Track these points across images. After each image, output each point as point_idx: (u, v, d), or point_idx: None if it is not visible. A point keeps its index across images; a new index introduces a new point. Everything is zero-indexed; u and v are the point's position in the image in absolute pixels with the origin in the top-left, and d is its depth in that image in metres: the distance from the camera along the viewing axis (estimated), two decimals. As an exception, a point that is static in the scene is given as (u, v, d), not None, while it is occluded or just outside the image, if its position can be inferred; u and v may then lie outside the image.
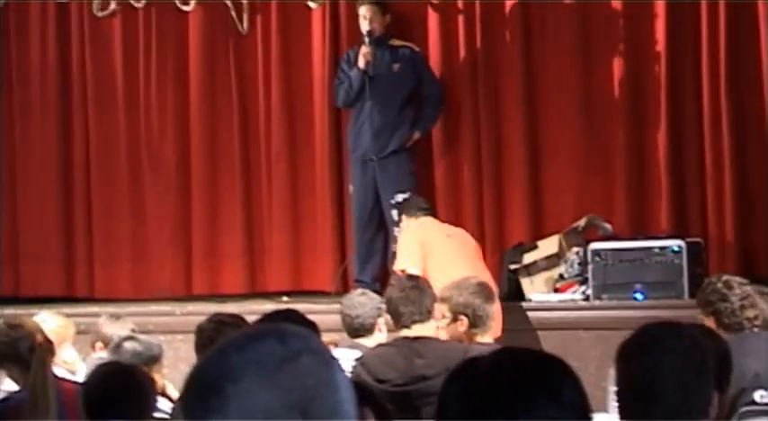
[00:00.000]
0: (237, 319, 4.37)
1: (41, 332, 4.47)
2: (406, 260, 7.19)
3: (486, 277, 7.34)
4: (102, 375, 3.81)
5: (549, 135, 8.29)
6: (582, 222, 7.84)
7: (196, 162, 8.92)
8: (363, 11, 8.15)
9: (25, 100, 9.24)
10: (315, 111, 8.68)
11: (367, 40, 8.07)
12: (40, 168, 9.18)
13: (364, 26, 8.12)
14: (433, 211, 7.78)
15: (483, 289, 4.88)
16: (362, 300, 5.17)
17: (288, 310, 4.06)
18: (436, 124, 8.38)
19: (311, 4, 8.65)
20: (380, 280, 7.85)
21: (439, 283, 6.97)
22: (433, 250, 7.20)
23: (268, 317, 3.97)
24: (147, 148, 9.01)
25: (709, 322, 4.82)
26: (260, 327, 1.83)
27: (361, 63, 8.03)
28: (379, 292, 5.81)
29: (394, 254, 7.64)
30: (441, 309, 4.87)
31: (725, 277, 5.10)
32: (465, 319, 4.79)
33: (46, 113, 9.18)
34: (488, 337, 4.89)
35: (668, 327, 2.73)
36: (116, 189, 9.07)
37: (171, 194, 8.95)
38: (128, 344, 4.44)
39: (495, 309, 4.90)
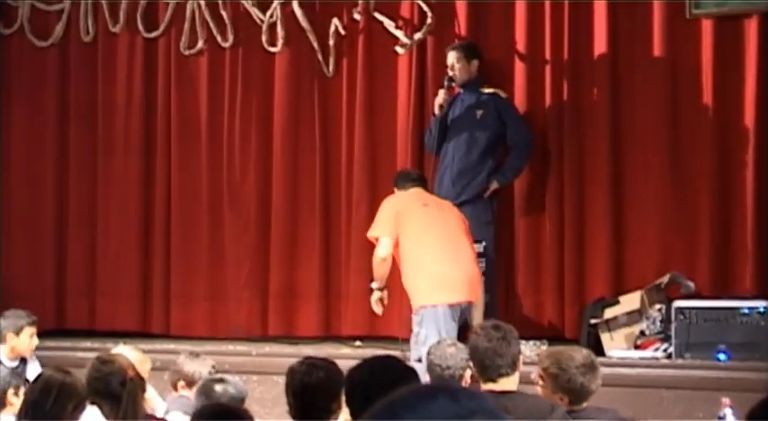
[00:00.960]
0: (329, 363, 4.32)
1: (133, 367, 4.46)
2: (378, 229, 7.41)
3: (466, 250, 7.40)
4: (210, 417, 3.75)
5: (634, 189, 8.19)
6: (665, 279, 7.74)
7: (276, 203, 8.90)
8: (449, 57, 8.17)
9: (109, 136, 9.29)
10: (397, 157, 8.64)
11: (445, 84, 8.08)
12: (121, 204, 9.23)
13: (449, 72, 8.13)
14: (423, 183, 7.73)
15: (588, 366, 4.68)
16: (452, 351, 5.10)
17: (388, 357, 4.00)
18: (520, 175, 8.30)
19: (399, 50, 8.64)
20: (463, 328, 7.74)
21: (410, 252, 7.24)
22: (406, 218, 7.29)
23: (368, 362, 3.90)
24: (229, 188, 9.02)
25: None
26: (427, 386, 1.76)
27: (436, 108, 8.07)
28: (462, 340, 5.72)
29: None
30: (540, 372, 4.74)
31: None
32: (567, 398, 4.67)
33: (129, 150, 9.25)
34: (584, 403, 4.75)
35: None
36: (196, 227, 9.09)
37: (250, 234, 8.94)
38: (219, 387, 4.40)
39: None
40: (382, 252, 7.37)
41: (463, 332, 6.85)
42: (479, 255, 7.78)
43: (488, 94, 8.18)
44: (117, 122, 9.28)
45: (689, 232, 8.04)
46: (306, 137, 8.88)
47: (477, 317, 7.26)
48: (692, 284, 7.70)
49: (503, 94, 8.22)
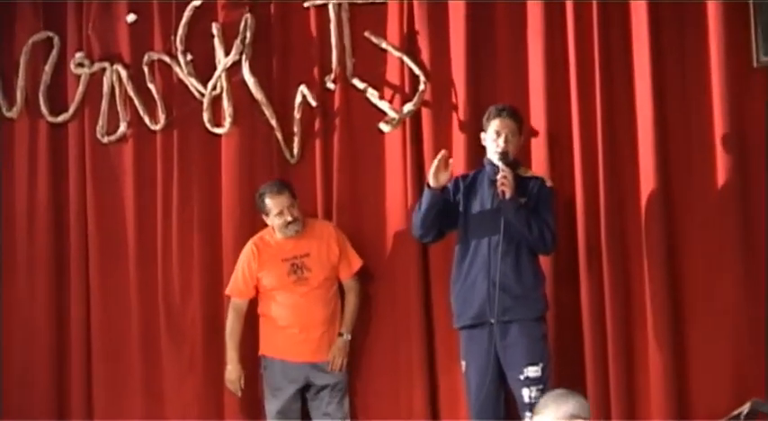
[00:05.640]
0: None
1: None
2: None
3: None
4: None
5: (695, 294, 6.81)
6: (744, 408, 6.25)
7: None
8: (498, 125, 6.74)
9: (9, 250, 8.35)
10: (398, 261, 7.42)
11: (501, 164, 6.62)
12: (26, 336, 8.22)
13: (495, 145, 6.72)
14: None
15: None
16: None
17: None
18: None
19: (383, 127, 7.35)
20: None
21: None
22: None
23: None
24: (167, 314, 7.98)
25: None
26: None
27: (507, 192, 6.51)
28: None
29: None
30: None
31: None
32: None
33: (34, 266, 8.27)
34: None
35: None
36: (124, 366, 8.05)
37: (196, 375, 7.85)
38: None
39: None
40: None
41: None
42: (536, 380, 6.61)
43: (533, 178, 6.82)
44: (17, 232, 8.34)
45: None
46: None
47: None
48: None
49: (548, 183, 6.88)
